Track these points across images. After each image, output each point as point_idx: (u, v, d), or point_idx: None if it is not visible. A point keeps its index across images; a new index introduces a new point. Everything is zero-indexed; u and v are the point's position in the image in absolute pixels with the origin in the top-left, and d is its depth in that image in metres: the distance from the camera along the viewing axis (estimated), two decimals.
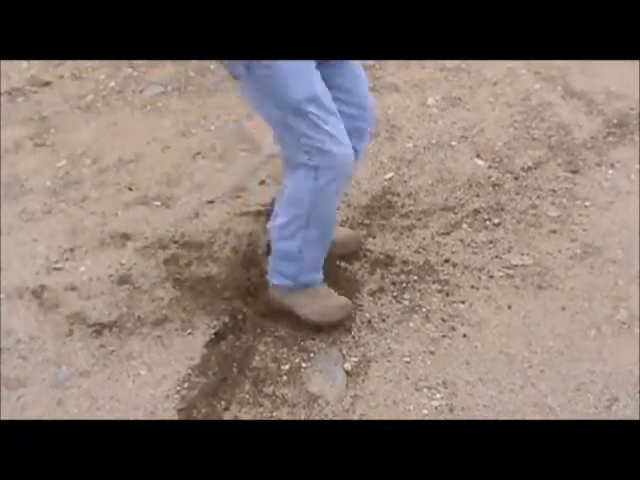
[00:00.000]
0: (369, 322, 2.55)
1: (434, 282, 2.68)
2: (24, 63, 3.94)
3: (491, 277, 2.70)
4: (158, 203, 3.04)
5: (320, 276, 2.51)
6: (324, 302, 2.48)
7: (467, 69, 3.82)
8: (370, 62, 3.88)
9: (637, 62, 3.81)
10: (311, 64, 2.17)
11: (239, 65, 2.15)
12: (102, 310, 2.60)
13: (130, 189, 3.08)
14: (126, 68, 3.83)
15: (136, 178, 3.14)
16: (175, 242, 2.85)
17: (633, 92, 3.65)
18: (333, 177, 2.27)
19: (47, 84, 3.79)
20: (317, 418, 2.27)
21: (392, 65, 3.87)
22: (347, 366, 2.42)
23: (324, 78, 2.22)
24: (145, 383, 2.40)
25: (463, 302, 2.61)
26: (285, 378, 2.39)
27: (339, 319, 2.49)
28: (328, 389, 2.36)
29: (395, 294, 2.64)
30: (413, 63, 3.87)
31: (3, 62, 3.91)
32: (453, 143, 3.33)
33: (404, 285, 2.67)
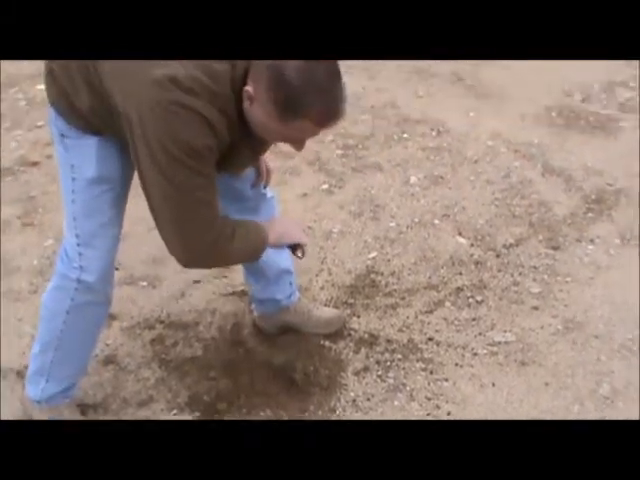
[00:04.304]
0: (354, 401, 2.55)
1: (418, 360, 2.69)
2: (12, 143, 3.99)
3: (475, 354, 2.72)
4: (144, 283, 3.06)
5: (71, 392, 2.44)
6: None
7: (448, 148, 3.91)
8: (352, 142, 3.97)
9: (612, 140, 3.93)
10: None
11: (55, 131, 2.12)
12: (87, 391, 2.59)
13: (117, 269, 3.06)
14: None
15: (122, 258, 3.14)
16: (161, 322, 2.87)
17: (610, 168, 3.75)
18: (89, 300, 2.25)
19: (35, 164, 3.83)
20: None
21: (375, 145, 3.97)
22: None
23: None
24: None
25: (447, 380, 2.63)
26: None
27: None
28: None
29: (380, 373, 2.65)
30: (395, 143, 3.96)
31: None
32: (436, 221, 3.39)
33: (388, 364, 2.68)
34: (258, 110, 1.87)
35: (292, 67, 1.78)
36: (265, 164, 2.44)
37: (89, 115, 2.02)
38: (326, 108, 1.85)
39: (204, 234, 2.01)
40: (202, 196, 1.96)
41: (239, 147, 2.03)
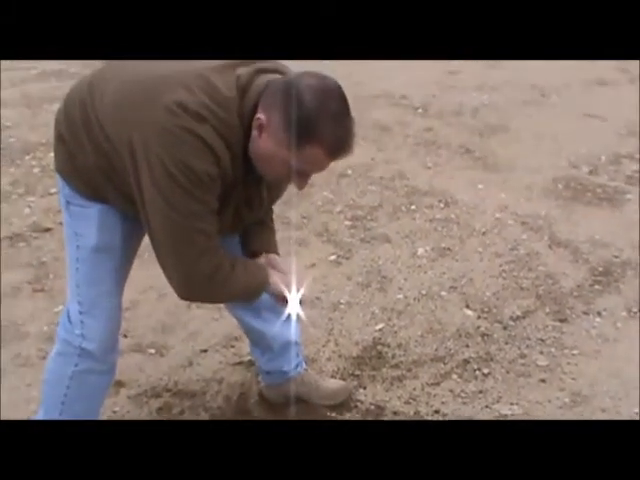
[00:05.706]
0: None
1: None
2: (26, 209, 4.05)
3: None
4: (152, 351, 3.07)
5: None
6: None
7: (456, 220, 3.96)
8: (361, 213, 4.02)
9: (619, 212, 3.97)
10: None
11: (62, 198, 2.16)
12: None
13: (125, 336, 3.11)
14: None
15: (131, 325, 3.18)
16: (168, 390, 2.86)
17: (616, 240, 3.79)
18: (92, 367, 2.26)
19: (47, 230, 3.88)
20: None
21: (383, 216, 4.02)
22: None
23: None
24: None
25: None
26: None
27: None
28: None
29: None
30: (403, 214, 4.01)
31: (5, 208, 4.02)
32: (443, 293, 3.41)
33: None
34: (267, 140, 1.88)
35: (307, 91, 1.81)
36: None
37: (93, 174, 2.05)
38: (338, 135, 1.85)
39: (201, 263, 1.97)
40: (199, 224, 1.93)
41: (237, 193, 2.03)
